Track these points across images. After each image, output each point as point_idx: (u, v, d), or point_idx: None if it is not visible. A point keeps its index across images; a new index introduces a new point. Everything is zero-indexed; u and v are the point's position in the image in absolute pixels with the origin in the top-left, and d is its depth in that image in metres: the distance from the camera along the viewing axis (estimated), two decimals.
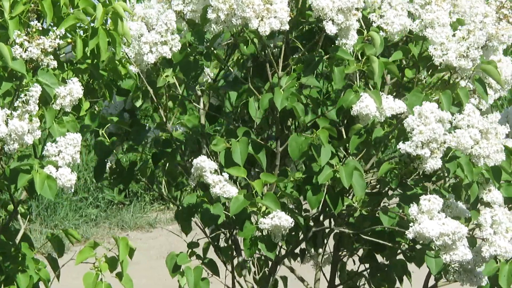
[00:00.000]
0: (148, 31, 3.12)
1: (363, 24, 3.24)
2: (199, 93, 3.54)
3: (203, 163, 3.05)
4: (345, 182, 3.07)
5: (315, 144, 3.10)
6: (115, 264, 3.03)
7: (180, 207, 3.57)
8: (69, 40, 2.91)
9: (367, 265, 3.80)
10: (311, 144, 3.10)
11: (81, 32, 2.91)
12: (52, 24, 2.84)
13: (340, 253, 3.83)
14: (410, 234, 2.97)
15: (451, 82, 3.10)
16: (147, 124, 3.59)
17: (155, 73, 3.24)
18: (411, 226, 2.98)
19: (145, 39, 3.06)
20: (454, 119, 3.06)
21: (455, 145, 2.99)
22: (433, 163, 2.99)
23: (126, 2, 3.10)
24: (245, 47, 3.33)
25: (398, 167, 3.15)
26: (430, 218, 2.97)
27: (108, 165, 3.60)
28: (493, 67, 3.04)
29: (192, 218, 3.49)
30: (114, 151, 3.50)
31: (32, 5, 2.80)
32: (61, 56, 3.02)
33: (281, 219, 3.02)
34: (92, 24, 2.88)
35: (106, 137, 3.37)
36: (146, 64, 3.10)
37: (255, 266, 3.75)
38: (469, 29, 3.00)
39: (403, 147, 3.00)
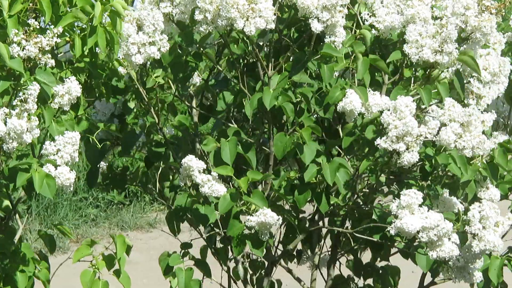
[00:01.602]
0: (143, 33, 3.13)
1: (361, 22, 3.25)
2: (192, 93, 3.55)
3: (190, 162, 3.06)
4: (329, 179, 3.07)
5: (299, 143, 3.11)
6: (113, 262, 3.04)
7: (171, 209, 3.58)
8: (68, 39, 2.92)
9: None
10: (297, 143, 3.11)
11: (79, 30, 2.91)
12: (50, 22, 2.85)
13: (337, 251, 3.84)
14: (392, 230, 2.95)
15: (430, 77, 3.10)
16: (137, 129, 3.60)
17: (146, 74, 3.25)
18: (393, 222, 2.96)
19: (132, 39, 3.07)
20: (436, 114, 3.05)
21: (431, 138, 2.98)
22: (409, 157, 2.97)
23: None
24: (235, 46, 3.33)
25: (378, 163, 3.14)
26: (410, 213, 2.95)
27: (101, 170, 3.61)
28: (470, 58, 3.02)
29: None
30: (106, 156, 3.50)
31: (31, 3, 2.80)
32: (60, 55, 3.04)
33: (266, 216, 3.02)
34: (90, 23, 2.88)
35: (97, 143, 3.37)
36: (135, 65, 3.10)
37: (251, 267, 3.76)
38: (442, 23, 2.99)
39: (379, 142, 3.00)
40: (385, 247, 3.57)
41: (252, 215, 3.06)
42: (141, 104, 3.50)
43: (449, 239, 3.00)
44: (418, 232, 2.94)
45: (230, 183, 3.34)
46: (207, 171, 3.10)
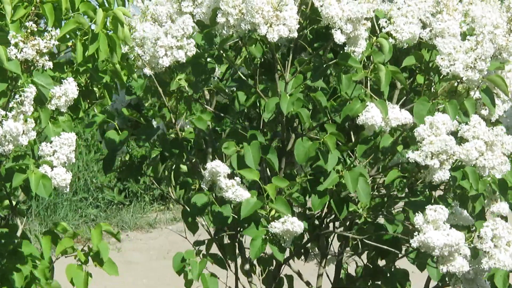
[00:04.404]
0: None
1: (377, 28, 3.25)
2: (206, 92, 3.55)
3: (218, 168, 3.04)
4: (351, 188, 3.08)
5: (322, 150, 3.12)
6: (98, 254, 3.05)
7: (187, 206, 3.58)
8: (69, 44, 2.92)
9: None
10: (319, 149, 3.12)
11: (79, 33, 2.91)
12: (53, 27, 2.84)
13: (344, 254, 3.86)
14: (414, 243, 2.98)
15: (458, 91, 3.12)
16: (155, 121, 3.61)
17: (168, 75, 3.25)
18: (416, 235, 2.98)
19: (161, 42, 3.07)
20: (459, 129, 3.07)
21: (464, 157, 2.99)
22: (441, 174, 2.99)
23: (125, 3, 3.12)
24: (253, 47, 3.33)
25: (406, 175, 3.15)
26: (435, 228, 2.97)
27: (119, 157, 3.62)
28: (500, 79, 3.04)
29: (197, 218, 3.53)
30: (125, 144, 3.51)
31: (33, 8, 2.80)
32: (61, 55, 3.04)
33: (294, 225, 3.01)
34: (92, 26, 2.88)
35: (118, 129, 3.39)
36: (160, 67, 3.12)
37: (259, 266, 3.76)
38: (478, 40, 2.99)
39: (412, 156, 3.00)
40: (392, 253, 3.58)
41: (275, 221, 3.05)
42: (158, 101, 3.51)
43: (460, 253, 3.04)
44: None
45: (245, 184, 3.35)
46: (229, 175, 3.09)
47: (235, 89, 3.55)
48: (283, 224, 3.02)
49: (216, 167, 3.05)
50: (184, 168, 3.61)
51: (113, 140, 3.42)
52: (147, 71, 3.14)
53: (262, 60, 3.52)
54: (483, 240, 3.09)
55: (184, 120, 3.52)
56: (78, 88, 2.85)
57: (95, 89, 3.30)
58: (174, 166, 3.60)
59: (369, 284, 3.80)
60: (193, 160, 3.53)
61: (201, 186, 3.17)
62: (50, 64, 2.74)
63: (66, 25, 2.83)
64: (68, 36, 2.90)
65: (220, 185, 3.06)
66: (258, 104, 3.40)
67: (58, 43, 2.80)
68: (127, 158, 3.69)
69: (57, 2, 2.81)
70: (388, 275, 3.74)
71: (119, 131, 3.42)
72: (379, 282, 3.77)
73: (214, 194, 3.19)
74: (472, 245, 3.11)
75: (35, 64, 2.73)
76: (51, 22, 2.79)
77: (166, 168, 3.63)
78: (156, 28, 3.10)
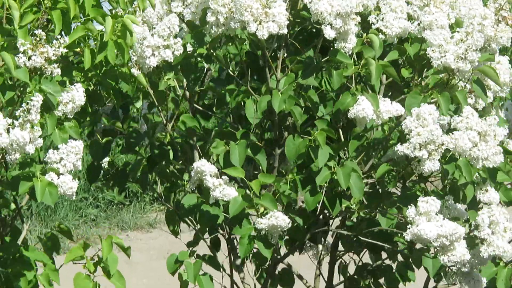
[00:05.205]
0: (149, 30, 3.13)
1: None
2: (186, 93, 3.54)
3: (203, 167, 3.06)
4: (343, 183, 3.08)
5: (312, 146, 3.11)
6: (109, 263, 3.03)
7: (172, 209, 3.58)
8: (78, 50, 2.93)
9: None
10: (309, 146, 3.11)
11: (92, 39, 2.93)
12: (63, 33, 2.85)
13: (337, 252, 3.85)
14: (408, 236, 2.97)
15: (449, 83, 3.11)
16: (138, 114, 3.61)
17: (157, 76, 3.25)
18: (409, 228, 2.98)
19: (147, 42, 3.07)
20: (452, 121, 3.07)
21: (453, 147, 3.00)
22: (431, 165, 2.99)
23: (137, 10, 3.13)
24: (229, 44, 3.32)
25: (395, 169, 3.16)
26: (427, 220, 2.97)
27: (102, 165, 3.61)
28: (491, 69, 3.04)
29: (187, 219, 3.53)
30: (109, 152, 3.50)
31: (43, 12, 2.80)
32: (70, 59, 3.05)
33: (278, 219, 3.03)
34: (102, 29, 2.89)
35: (100, 138, 3.38)
36: (148, 67, 3.11)
37: (252, 263, 3.76)
38: (467, 31, 2.98)
39: (401, 148, 3.01)
40: (389, 250, 3.57)
41: (262, 217, 3.07)
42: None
43: (460, 243, 3.03)
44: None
45: (236, 184, 3.34)
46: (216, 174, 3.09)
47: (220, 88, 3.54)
48: (269, 219, 3.04)
49: (202, 166, 3.06)
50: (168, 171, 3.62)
51: (98, 148, 3.42)
52: (135, 71, 3.14)
53: (249, 60, 3.50)
54: (480, 228, 3.10)
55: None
56: (85, 94, 2.85)
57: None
58: (160, 169, 3.59)
59: (371, 281, 3.81)
60: (180, 162, 3.52)
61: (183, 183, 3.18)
62: (58, 71, 2.73)
63: (75, 32, 2.85)
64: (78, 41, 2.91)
65: (207, 184, 3.07)
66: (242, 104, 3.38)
67: (67, 50, 2.80)
68: (107, 166, 3.67)
69: (66, 9, 2.81)
70: (386, 270, 3.74)
71: (102, 138, 3.42)
72: (379, 279, 3.78)
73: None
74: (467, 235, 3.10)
75: (44, 72, 2.72)
76: (58, 28, 2.80)
77: (154, 171, 3.61)
78: (143, 28, 3.09)
